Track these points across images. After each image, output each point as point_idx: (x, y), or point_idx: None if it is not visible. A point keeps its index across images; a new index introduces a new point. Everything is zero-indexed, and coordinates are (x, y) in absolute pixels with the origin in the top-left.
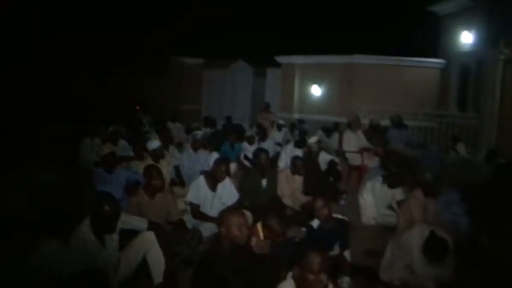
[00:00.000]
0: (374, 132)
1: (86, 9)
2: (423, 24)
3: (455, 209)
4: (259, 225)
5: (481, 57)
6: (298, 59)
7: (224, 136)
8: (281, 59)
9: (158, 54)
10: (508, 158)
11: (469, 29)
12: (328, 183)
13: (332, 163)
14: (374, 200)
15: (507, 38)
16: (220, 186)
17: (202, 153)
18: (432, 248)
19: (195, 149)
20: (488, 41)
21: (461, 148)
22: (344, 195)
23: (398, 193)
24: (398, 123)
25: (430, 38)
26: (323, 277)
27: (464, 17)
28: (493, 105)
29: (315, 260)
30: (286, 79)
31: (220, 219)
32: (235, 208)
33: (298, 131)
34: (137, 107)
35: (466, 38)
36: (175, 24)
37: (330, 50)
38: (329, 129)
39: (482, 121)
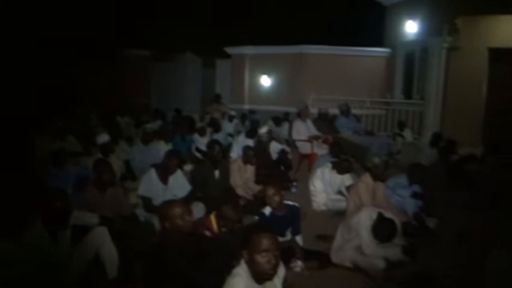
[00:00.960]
0: (323, 121)
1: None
2: (369, 15)
3: (402, 192)
4: (212, 216)
5: (425, 46)
6: (248, 50)
7: (175, 128)
8: (230, 50)
9: (107, 46)
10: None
11: (413, 18)
12: (279, 171)
13: (282, 152)
14: (323, 186)
15: (450, 26)
16: (171, 178)
17: (153, 146)
18: (381, 229)
19: (145, 142)
20: (432, 29)
21: (407, 134)
22: (295, 183)
23: (347, 179)
24: (346, 112)
25: (376, 27)
26: (273, 257)
27: (408, 7)
28: (437, 92)
29: (263, 241)
30: (236, 70)
31: (161, 214)
32: (171, 201)
33: (250, 122)
34: (83, 101)
35: (411, 27)
36: (124, 17)
37: (279, 40)
38: (279, 119)
39: (427, 107)
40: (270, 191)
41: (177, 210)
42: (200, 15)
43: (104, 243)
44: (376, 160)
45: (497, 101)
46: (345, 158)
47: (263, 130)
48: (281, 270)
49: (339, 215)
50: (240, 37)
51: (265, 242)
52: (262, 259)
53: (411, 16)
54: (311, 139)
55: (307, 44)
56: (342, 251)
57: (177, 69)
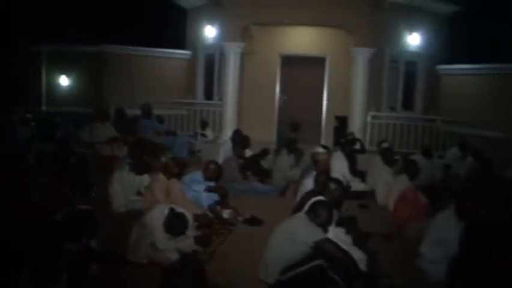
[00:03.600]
0: (123, 122)
1: None
2: (172, 17)
3: (197, 187)
4: None
5: (223, 50)
6: (44, 48)
7: None
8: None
9: None
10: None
11: (212, 23)
12: (77, 176)
13: (81, 156)
14: (122, 187)
15: (244, 32)
16: None
17: None
18: (172, 223)
19: None
20: (228, 35)
21: (209, 133)
22: (94, 187)
23: (146, 179)
24: (148, 112)
25: (178, 30)
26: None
27: (207, 12)
28: (234, 93)
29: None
30: (32, 69)
31: None
32: None
33: (49, 125)
34: None
35: (210, 31)
36: None
37: (79, 39)
38: (80, 121)
39: (225, 108)
40: (60, 197)
41: None
42: None
43: None
44: (163, 159)
45: (288, 102)
46: (143, 158)
47: (62, 134)
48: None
49: (138, 215)
50: (38, 34)
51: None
52: (45, 263)
53: (210, 21)
54: (110, 141)
55: (110, 43)
56: (138, 248)
57: None
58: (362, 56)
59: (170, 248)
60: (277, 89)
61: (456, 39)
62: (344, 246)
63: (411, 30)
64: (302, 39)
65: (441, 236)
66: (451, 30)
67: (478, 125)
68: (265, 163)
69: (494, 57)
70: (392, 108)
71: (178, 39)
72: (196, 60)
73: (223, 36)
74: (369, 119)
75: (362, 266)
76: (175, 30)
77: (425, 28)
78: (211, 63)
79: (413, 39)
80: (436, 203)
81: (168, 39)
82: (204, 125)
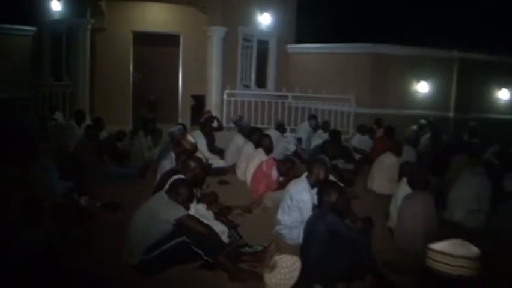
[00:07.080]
0: None
1: None
2: None
3: (51, 175)
4: None
5: (70, 26)
6: None
7: None
8: None
9: None
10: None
11: None
12: None
13: None
14: None
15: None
16: None
17: None
18: (28, 212)
19: None
20: (76, 10)
21: (59, 116)
22: None
23: None
24: None
25: (21, 3)
26: None
27: None
28: (84, 73)
29: None
30: None
31: None
32: None
33: None
34: None
35: (56, 6)
36: None
37: None
38: None
39: (76, 88)
40: None
41: None
42: None
43: None
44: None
45: (144, 81)
46: None
47: None
48: None
49: None
50: None
51: None
52: None
53: None
54: None
55: None
56: None
57: None
58: (215, 35)
59: (27, 241)
60: (131, 67)
61: (304, 20)
62: (206, 221)
63: (262, 10)
64: (155, 16)
65: (296, 203)
66: (299, 11)
67: (325, 100)
68: (121, 145)
69: (338, 37)
70: (246, 86)
71: (21, 14)
72: (42, 37)
73: (70, 11)
74: (225, 96)
75: (224, 238)
76: (17, 3)
77: (276, 9)
78: (59, 41)
79: (264, 19)
80: (288, 174)
81: (9, 13)
82: (53, 108)
